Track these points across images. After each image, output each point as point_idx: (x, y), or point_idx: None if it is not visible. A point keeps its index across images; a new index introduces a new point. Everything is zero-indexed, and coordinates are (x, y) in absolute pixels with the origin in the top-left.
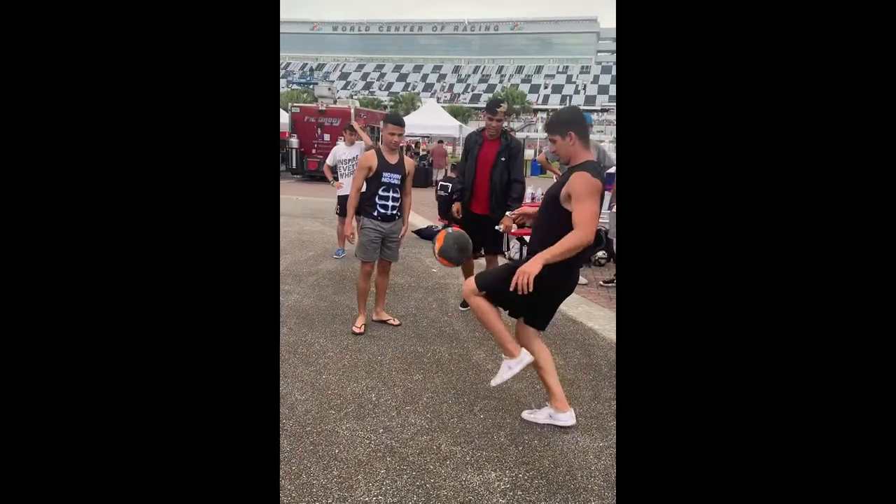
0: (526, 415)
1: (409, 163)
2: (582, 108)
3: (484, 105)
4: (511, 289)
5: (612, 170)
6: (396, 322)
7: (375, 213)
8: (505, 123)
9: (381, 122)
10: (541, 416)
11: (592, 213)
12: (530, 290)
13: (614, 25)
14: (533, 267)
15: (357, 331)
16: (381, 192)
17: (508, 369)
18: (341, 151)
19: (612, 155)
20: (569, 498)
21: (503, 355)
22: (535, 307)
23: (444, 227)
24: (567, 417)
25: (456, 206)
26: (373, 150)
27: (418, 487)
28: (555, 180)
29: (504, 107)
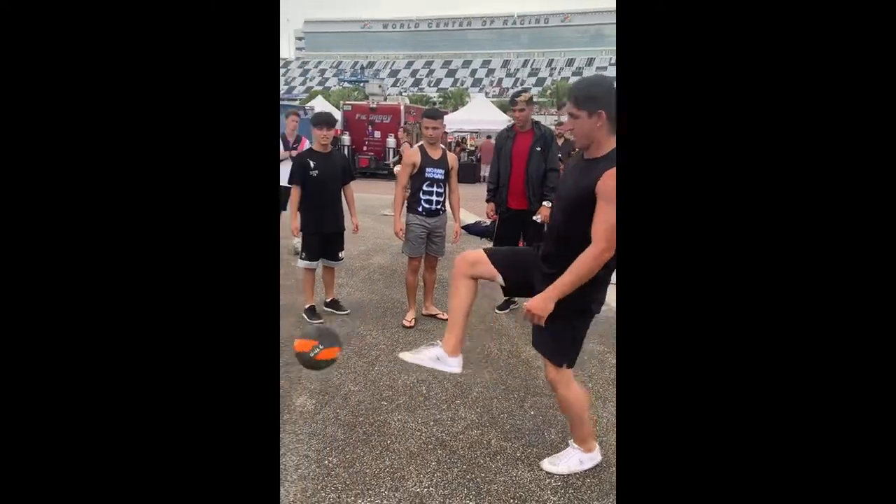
0: (547, 465)
1: (452, 158)
2: None
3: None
4: (524, 318)
5: None
6: (446, 316)
7: (420, 209)
8: (533, 113)
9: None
10: (572, 462)
11: (615, 223)
12: (542, 324)
13: None
14: (542, 306)
15: (407, 324)
16: (425, 188)
17: (436, 359)
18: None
19: None
20: None
21: (439, 341)
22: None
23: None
24: (596, 455)
25: (490, 207)
26: (417, 147)
27: (469, 481)
28: None
29: (525, 96)
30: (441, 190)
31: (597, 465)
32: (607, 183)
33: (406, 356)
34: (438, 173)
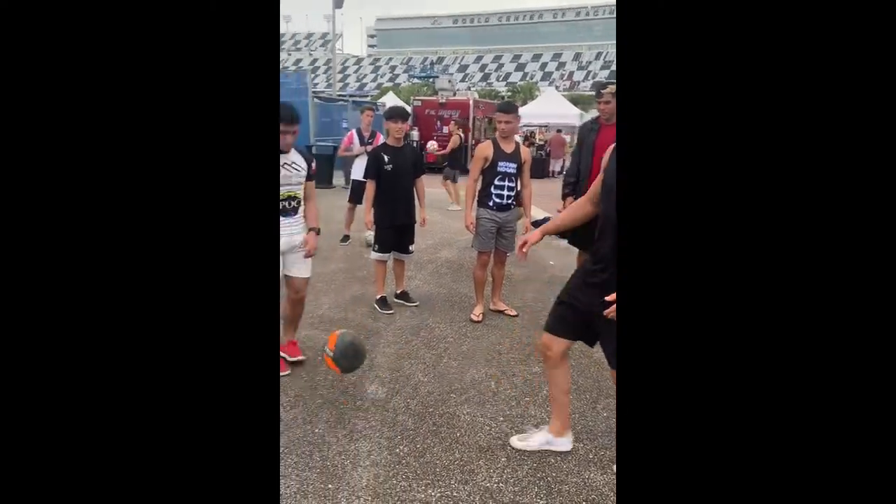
0: (516, 442)
1: (525, 152)
2: None
3: None
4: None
5: None
6: (514, 313)
7: (491, 203)
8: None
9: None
10: (534, 442)
11: None
12: (526, 248)
13: None
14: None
15: (475, 318)
16: (496, 182)
17: (546, 443)
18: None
19: None
20: None
21: (546, 427)
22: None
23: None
24: (564, 443)
25: (568, 202)
26: (489, 141)
27: (539, 480)
28: None
29: (612, 88)
30: (513, 184)
31: None
32: None
33: (516, 443)
34: (511, 167)
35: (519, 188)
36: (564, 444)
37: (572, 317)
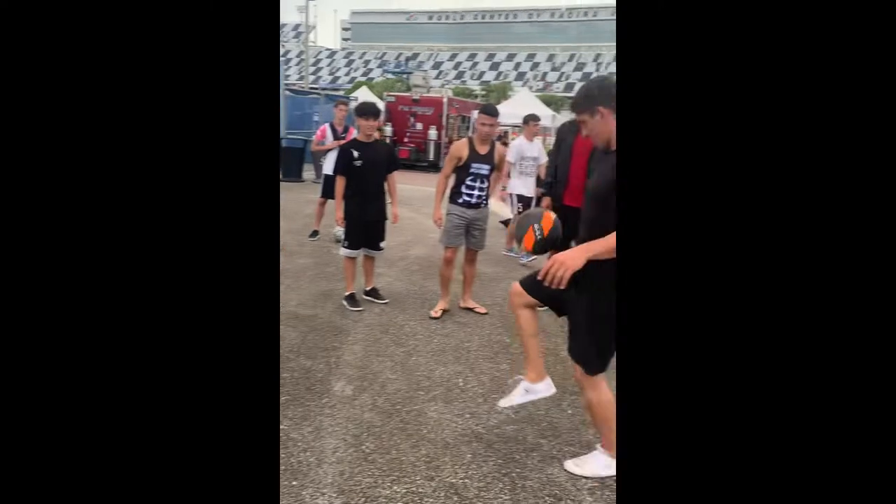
0: (570, 466)
1: (501, 150)
2: None
3: None
4: (540, 278)
5: None
6: (483, 310)
7: (461, 201)
8: None
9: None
10: (516, 397)
11: None
12: (563, 285)
13: None
14: (573, 258)
15: (434, 315)
16: (468, 182)
17: (525, 392)
18: (525, 147)
19: None
20: None
21: (521, 375)
22: (592, 332)
23: (526, 223)
24: (544, 387)
25: (546, 202)
26: (465, 140)
27: (504, 475)
28: None
29: None
30: (484, 185)
31: None
32: None
33: (503, 403)
34: (484, 169)
35: (511, 187)
36: (543, 389)
37: (546, 295)
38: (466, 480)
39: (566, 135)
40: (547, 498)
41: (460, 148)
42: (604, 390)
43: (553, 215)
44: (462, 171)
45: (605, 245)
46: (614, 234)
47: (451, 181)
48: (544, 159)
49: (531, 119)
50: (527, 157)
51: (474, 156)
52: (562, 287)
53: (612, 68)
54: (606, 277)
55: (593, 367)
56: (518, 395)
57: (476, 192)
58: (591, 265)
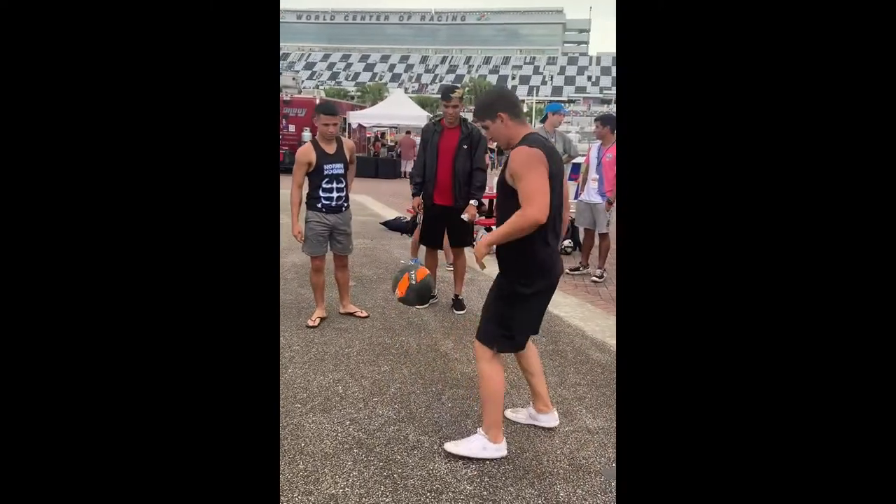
0: (509, 413)
1: (349, 144)
2: (550, 99)
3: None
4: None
5: (579, 160)
6: (364, 314)
7: (320, 206)
8: (462, 111)
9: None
10: (521, 415)
11: (536, 188)
12: (482, 265)
13: (579, 17)
14: (477, 246)
15: (311, 324)
16: (324, 185)
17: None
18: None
19: (577, 145)
20: (535, 482)
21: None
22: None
23: (402, 272)
24: (550, 419)
25: (416, 202)
26: (309, 144)
27: (385, 478)
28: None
29: (459, 92)
30: (342, 185)
31: (503, 458)
32: (511, 162)
33: (509, 413)
34: (337, 168)
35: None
36: (546, 420)
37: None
38: (347, 489)
39: (430, 135)
40: (428, 493)
41: (306, 153)
42: (496, 367)
43: (427, 271)
44: (315, 175)
45: (502, 232)
46: (508, 222)
47: (306, 188)
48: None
49: None
50: None
51: (324, 156)
52: (481, 268)
53: (482, 70)
54: (507, 261)
55: (489, 342)
56: (523, 418)
57: (335, 195)
58: (501, 250)
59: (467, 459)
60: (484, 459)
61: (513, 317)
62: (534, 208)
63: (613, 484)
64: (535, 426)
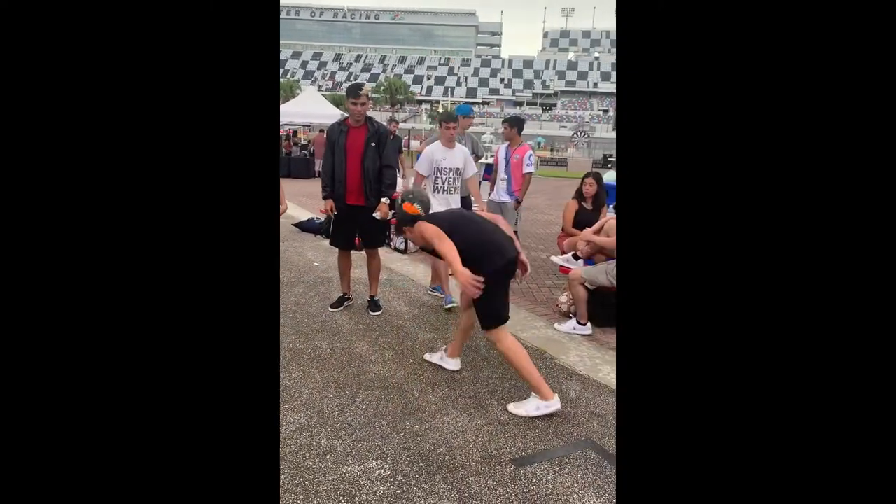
0: (511, 408)
1: None
2: (463, 100)
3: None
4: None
5: (490, 160)
6: None
7: None
8: (369, 110)
9: None
10: (529, 407)
11: (444, 249)
12: (478, 293)
13: (491, 20)
14: (459, 278)
15: None
16: None
17: (536, 409)
18: (440, 156)
19: (491, 145)
20: (448, 476)
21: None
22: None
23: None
24: (554, 403)
25: (329, 204)
26: None
27: (297, 485)
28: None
29: (367, 89)
30: None
31: (549, 415)
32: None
33: (511, 408)
34: None
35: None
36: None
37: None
38: None
39: (337, 136)
40: (341, 497)
41: None
42: (509, 341)
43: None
44: None
45: (451, 257)
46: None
47: None
48: (472, 170)
49: (446, 120)
50: (444, 168)
51: None
52: (476, 297)
53: (398, 70)
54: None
55: (483, 322)
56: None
57: None
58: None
59: (383, 456)
60: (403, 450)
61: (488, 295)
62: (436, 243)
63: (565, 473)
64: (447, 428)
